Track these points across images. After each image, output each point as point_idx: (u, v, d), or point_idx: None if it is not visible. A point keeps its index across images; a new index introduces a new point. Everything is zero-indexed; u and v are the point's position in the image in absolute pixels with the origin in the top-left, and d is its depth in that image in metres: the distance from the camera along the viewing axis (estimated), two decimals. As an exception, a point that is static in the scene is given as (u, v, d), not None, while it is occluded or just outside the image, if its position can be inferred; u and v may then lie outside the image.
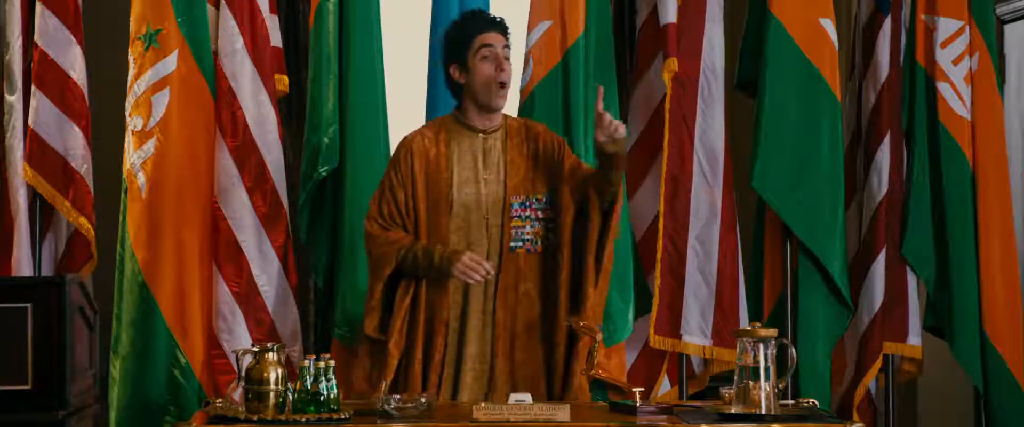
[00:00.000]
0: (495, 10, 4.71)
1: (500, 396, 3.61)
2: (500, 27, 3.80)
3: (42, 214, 4.55)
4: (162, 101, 4.45)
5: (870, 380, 4.77)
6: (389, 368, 3.70)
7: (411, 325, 3.74)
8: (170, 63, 4.46)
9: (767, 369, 3.13)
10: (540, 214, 3.76)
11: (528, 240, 3.74)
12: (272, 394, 3.09)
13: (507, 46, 3.78)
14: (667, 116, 4.64)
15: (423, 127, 3.90)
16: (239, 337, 4.40)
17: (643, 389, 3.38)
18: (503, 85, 3.75)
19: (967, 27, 4.83)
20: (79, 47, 4.54)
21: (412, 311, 3.74)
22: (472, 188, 3.75)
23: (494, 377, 3.70)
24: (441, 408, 3.46)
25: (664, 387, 4.70)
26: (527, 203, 3.73)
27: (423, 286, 3.73)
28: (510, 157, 3.77)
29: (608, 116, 3.56)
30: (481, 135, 3.79)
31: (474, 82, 3.75)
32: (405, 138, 3.83)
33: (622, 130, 3.57)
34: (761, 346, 3.14)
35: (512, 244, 3.73)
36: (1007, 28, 5.08)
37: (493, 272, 3.63)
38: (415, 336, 3.72)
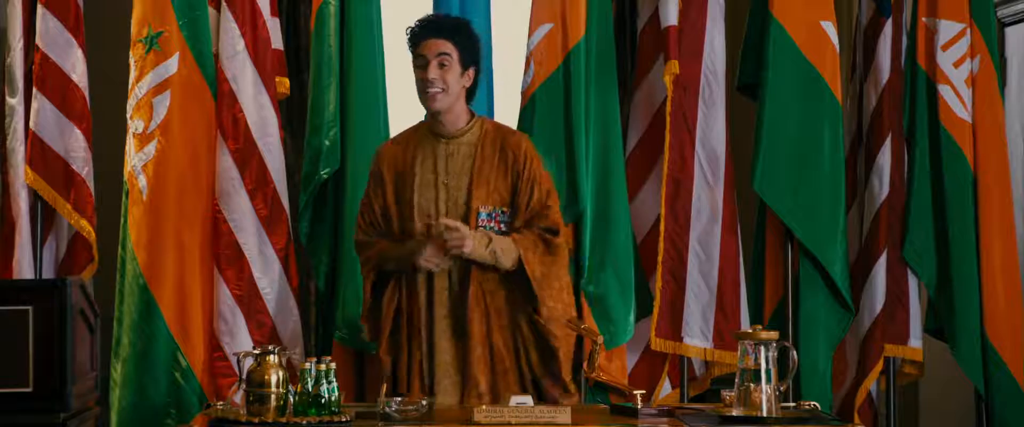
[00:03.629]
0: (496, 13, 4.74)
1: (476, 404, 3.61)
2: (439, 32, 3.78)
3: (43, 216, 4.55)
4: (163, 103, 4.45)
5: (871, 382, 4.77)
6: (384, 374, 3.74)
7: (397, 331, 3.77)
8: (171, 65, 4.46)
9: (768, 371, 3.14)
10: (503, 226, 3.75)
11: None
12: (273, 397, 3.10)
13: (445, 52, 3.75)
14: (668, 118, 4.64)
15: (401, 133, 3.94)
16: (240, 339, 4.40)
17: (644, 391, 3.39)
18: (437, 91, 3.74)
19: (968, 30, 4.83)
20: (80, 49, 4.54)
21: (396, 317, 3.78)
22: (431, 193, 3.77)
23: (467, 384, 3.71)
24: (441, 410, 3.47)
25: (665, 389, 4.70)
26: (493, 214, 3.72)
27: (404, 293, 3.76)
28: (477, 164, 3.77)
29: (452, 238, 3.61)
30: (444, 140, 3.81)
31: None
32: (379, 146, 3.89)
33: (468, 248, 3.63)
34: (762, 348, 3.14)
35: None
36: (1008, 31, 5.08)
37: (470, 245, 3.62)
38: (400, 342, 3.75)
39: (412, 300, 3.75)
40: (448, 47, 3.75)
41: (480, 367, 3.70)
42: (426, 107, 3.80)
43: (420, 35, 3.79)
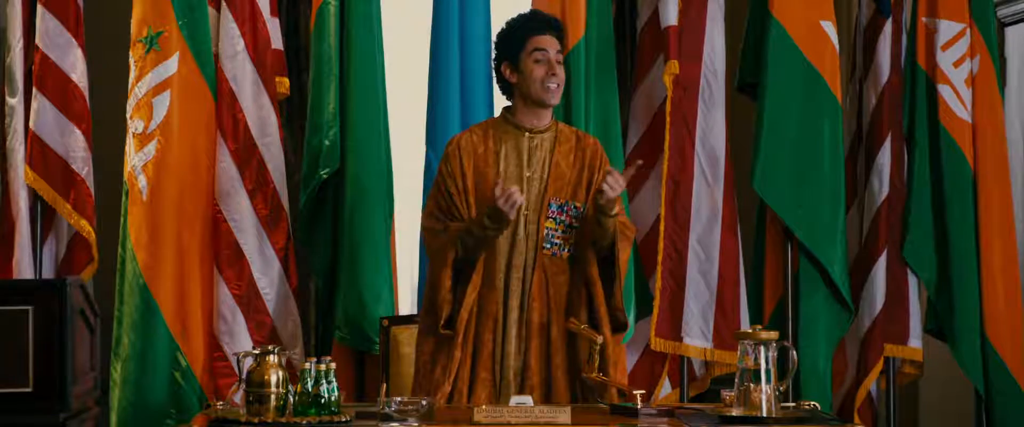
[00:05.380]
0: (496, 12, 4.73)
1: (536, 397, 3.61)
2: (555, 30, 3.82)
3: (43, 216, 4.55)
4: (163, 104, 4.45)
5: (871, 382, 4.77)
6: (454, 362, 3.70)
7: (467, 323, 3.74)
8: (171, 66, 4.46)
9: (768, 371, 3.13)
10: (574, 221, 3.76)
11: (557, 244, 3.75)
12: (273, 397, 3.09)
13: (560, 51, 3.79)
14: (668, 118, 4.65)
15: (472, 127, 3.92)
16: (240, 339, 4.41)
17: (644, 391, 3.38)
18: (556, 86, 3.76)
19: (968, 29, 4.83)
20: (80, 49, 4.54)
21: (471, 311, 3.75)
22: (513, 185, 3.75)
23: (528, 377, 3.70)
24: (441, 410, 3.46)
25: (665, 389, 4.70)
26: (565, 207, 3.74)
27: (481, 284, 3.75)
28: (556, 159, 3.78)
29: (612, 182, 3.59)
30: (527, 134, 3.80)
31: (525, 82, 3.77)
32: (453, 138, 3.85)
33: (615, 199, 3.61)
34: (762, 348, 3.14)
35: (545, 245, 3.74)
36: (1008, 31, 5.08)
37: (520, 197, 3.61)
38: (468, 335, 3.73)
39: (489, 289, 3.73)
40: (558, 44, 3.80)
41: (536, 357, 3.71)
42: (543, 100, 3.76)
43: (535, 29, 3.79)
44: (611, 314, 3.76)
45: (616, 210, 3.66)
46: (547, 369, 3.73)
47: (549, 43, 3.77)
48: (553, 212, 3.73)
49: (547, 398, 3.67)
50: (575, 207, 3.75)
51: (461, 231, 3.69)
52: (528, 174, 3.77)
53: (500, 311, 3.72)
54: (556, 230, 3.75)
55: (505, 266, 3.73)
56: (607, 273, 3.76)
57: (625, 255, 3.81)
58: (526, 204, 3.73)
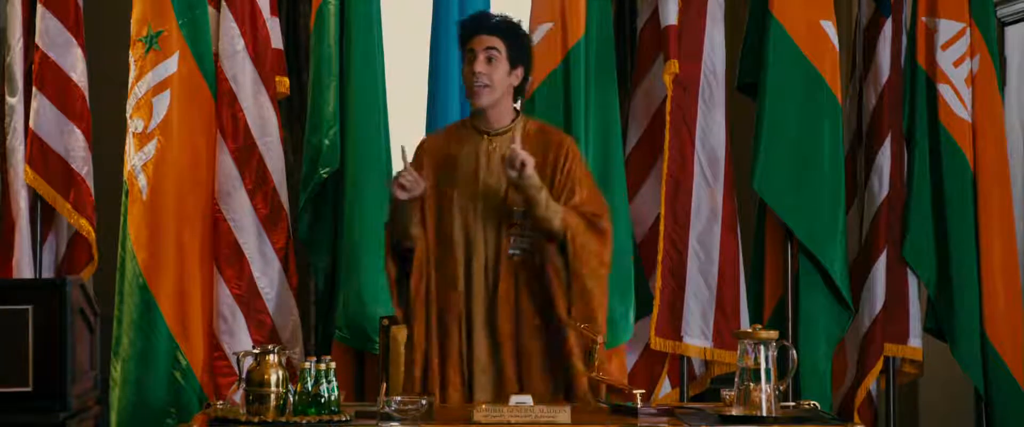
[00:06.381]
0: (496, 11, 4.72)
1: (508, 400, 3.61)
2: (489, 28, 3.74)
3: (43, 216, 4.55)
4: (163, 103, 4.45)
5: (871, 382, 4.77)
6: (418, 350, 3.69)
7: (428, 320, 3.74)
8: (171, 65, 4.46)
9: (768, 371, 3.14)
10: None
11: (525, 248, 3.72)
12: (273, 396, 3.10)
13: (494, 48, 3.71)
14: (668, 118, 4.64)
15: (444, 127, 3.91)
16: (240, 339, 4.41)
17: (644, 391, 3.38)
18: (483, 85, 3.71)
19: (968, 29, 4.83)
20: (80, 49, 4.54)
21: (427, 306, 3.74)
22: (472, 188, 3.74)
23: (503, 381, 3.70)
24: (441, 410, 3.47)
25: (665, 389, 4.70)
26: (528, 212, 3.69)
27: (433, 284, 3.74)
28: None
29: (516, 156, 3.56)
30: (486, 136, 3.78)
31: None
32: (423, 139, 3.84)
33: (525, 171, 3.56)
34: (762, 348, 3.14)
35: (511, 250, 3.72)
36: (1008, 30, 5.08)
37: (422, 183, 3.62)
38: (430, 330, 3.73)
39: (449, 291, 3.73)
40: (497, 43, 3.71)
41: (510, 364, 3.70)
42: (471, 102, 3.74)
43: (470, 30, 3.75)
44: (571, 303, 3.68)
45: (535, 182, 3.55)
46: (519, 374, 3.71)
47: (479, 42, 3.71)
48: (517, 215, 3.71)
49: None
50: None
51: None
52: (485, 176, 3.74)
53: (464, 312, 3.71)
54: (523, 235, 3.72)
55: (465, 270, 3.72)
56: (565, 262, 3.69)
57: (596, 247, 3.70)
58: (483, 208, 3.71)
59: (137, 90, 4.48)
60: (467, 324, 3.72)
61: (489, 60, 3.70)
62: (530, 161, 3.54)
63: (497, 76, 3.71)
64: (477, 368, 3.70)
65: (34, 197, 4.53)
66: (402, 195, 3.62)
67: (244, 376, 3.15)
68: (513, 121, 3.79)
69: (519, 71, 3.77)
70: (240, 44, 4.50)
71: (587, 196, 3.74)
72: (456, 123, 3.93)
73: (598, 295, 3.69)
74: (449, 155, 3.78)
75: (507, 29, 3.76)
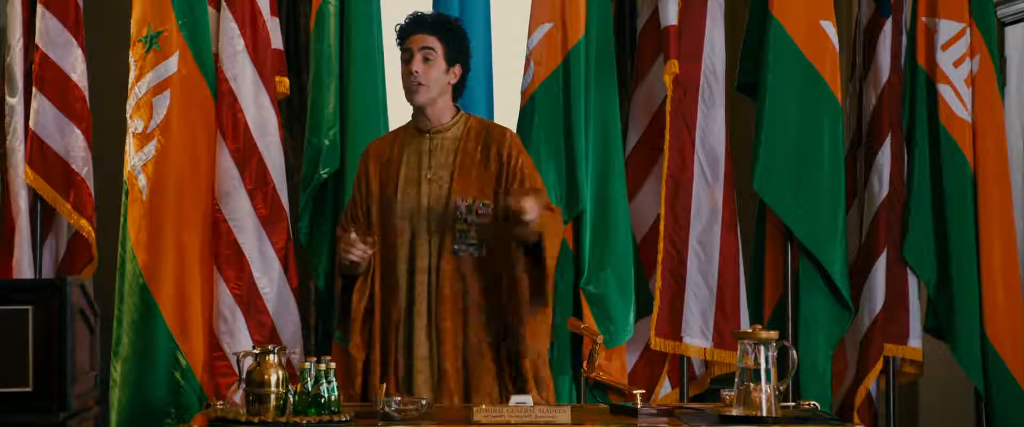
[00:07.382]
0: (496, 12, 4.74)
1: (450, 401, 3.65)
2: (426, 27, 3.81)
3: (43, 216, 4.55)
4: (163, 103, 4.45)
5: (871, 382, 4.77)
6: (355, 371, 3.75)
7: (370, 329, 3.79)
8: (171, 65, 4.46)
9: (768, 371, 3.14)
10: (486, 219, 3.76)
11: (472, 245, 3.75)
12: (273, 396, 3.10)
13: (429, 47, 3.77)
14: (668, 118, 4.64)
15: (390, 131, 3.96)
16: (240, 339, 4.40)
17: (644, 391, 3.39)
18: (418, 84, 3.76)
19: (968, 29, 4.83)
20: (80, 49, 4.54)
21: (368, 314, 3.79)
22: (415, 189, 3.78)
23: (444, 381, 3.71)
24: (441, 410, 3.47)
25: (665, 389, 4.70)
26: (473, 206, 3.73)
27: (378, 288, 3.76)
28: (459, 159, 3.78)
29: (528, 206, 3.56)
30: (427, 135, 3.82)
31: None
32: (369, 144, 3.91)
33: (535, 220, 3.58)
34: (762, 348, 3.14)
35: (456, 247, 3.74)
36: (1008, 30, 5.08)
37: (369, 252, 3.68)
38: (373, 340, 3.76)
39: (391, 296, 3.75)
40: (433, 42, 3.79)
41: (451, 361, 3.71)
42: (409, 101, 3.83)
43: (407, 30, 3.84)
44: (534, 299, 3.73)
45: (532, 217, 3.57)
46: (465, 373, 3.72)
47: (415, 41, 3.79)
48: (462, 213, 3.73)
49: (469, 402, 3.67)
50: (484, 204, 3.75)
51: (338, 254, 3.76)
52: (429, 176, 3.77)
53: (403, 316, 3.73)
54: (469, 230, 3.74)
55: (407, 271, 3.74)
56: (536, 259, 3.72)
57: (558, 227, 3.79)
58: (427, 207, 3.74)
59: (137, 90, 4.47)
60: (408, 323, 3.73)
61: (425, 60, 3.77)
62: (533, 209, 3.58)
63: (433, 75, 3.78)
64: (416, 369, 3.71)
65: (34, 197, 4.53)
66: (355, 270, 3.73)
67: (244, 376, 3.15)
68: (454, 118, 3.84)
69: (456, 69, 3.84)
70: (240, 44, 4.50)
71: (539, 185, 3.82)
72: (401, 127, 3.98)
73: (552, 267, 3.74)
74: (391, 158, 3.84)
75: (444, 28, 3.83)
